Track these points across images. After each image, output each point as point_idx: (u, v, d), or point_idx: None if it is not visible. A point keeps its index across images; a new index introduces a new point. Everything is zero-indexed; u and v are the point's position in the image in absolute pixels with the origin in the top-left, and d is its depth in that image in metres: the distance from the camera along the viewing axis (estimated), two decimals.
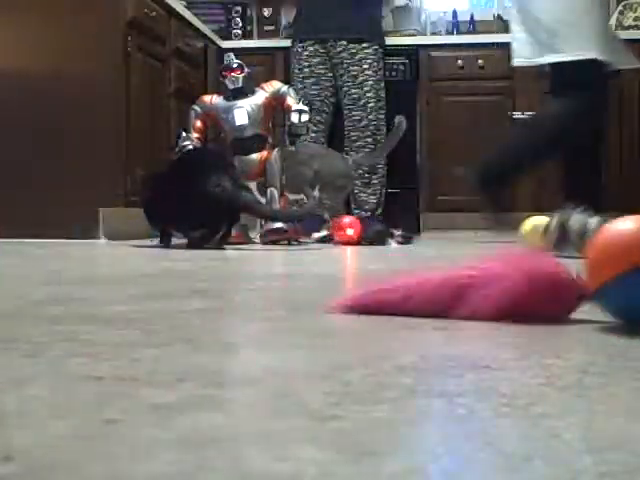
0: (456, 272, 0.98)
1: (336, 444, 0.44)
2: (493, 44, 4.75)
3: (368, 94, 4.31)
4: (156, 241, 2.89)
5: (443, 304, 0.94)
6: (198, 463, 0.41)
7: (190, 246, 2.74)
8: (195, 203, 2.67)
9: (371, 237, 3.15)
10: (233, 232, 2.95)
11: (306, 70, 4.33)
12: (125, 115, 3.38)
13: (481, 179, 3.07)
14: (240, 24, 5.11)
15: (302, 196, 3.25)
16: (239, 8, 5.13)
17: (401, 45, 4.69)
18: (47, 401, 0.54)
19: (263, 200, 3.16)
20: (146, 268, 1.82)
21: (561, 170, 3.17)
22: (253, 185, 3.21)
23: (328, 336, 0.84)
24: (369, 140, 4.33)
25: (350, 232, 3.15)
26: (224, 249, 2.72)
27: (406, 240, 3.22)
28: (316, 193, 3.23)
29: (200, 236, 2.76)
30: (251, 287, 1.47)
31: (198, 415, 0.50)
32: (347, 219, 3.26)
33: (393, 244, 3.13)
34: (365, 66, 4.30)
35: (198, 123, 3.22)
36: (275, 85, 3.27)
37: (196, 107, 3.25)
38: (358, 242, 3.12)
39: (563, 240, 2.16)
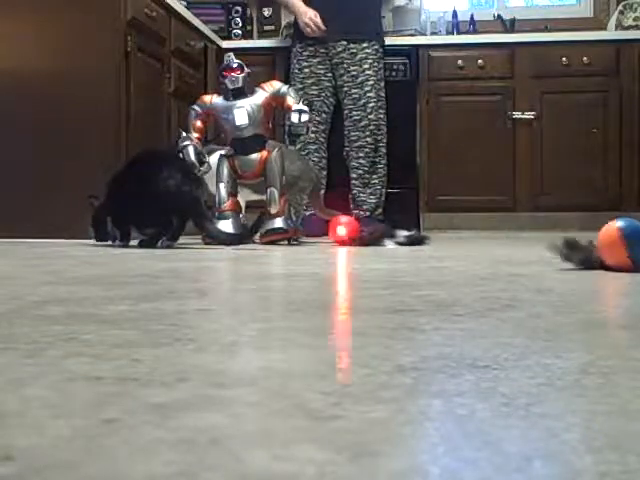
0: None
1: (336, 444, 0.44)
2: (493, 44, 4.76)
3: (369, 94, 4.31)
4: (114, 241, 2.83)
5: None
6: (198, 463, 0.41)
7: (141, 245, 2.72)
8: (146, 199, 2.64)
9: (364, 237, 3.08)
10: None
11: (306, 70, 4.33)
12: (125, 115, 3.39)
13: None
14: (240, 24, 5.11)
15: (264, 197, 3.15)
16: (239, 8, 5.13)
17: (401, 45, 4.69)
18: (47, 401, 0.54)
19: (263, 197, 3.15)
20: (146, 268, 1.82)
21: None
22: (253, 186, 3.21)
23: (328, 336, 0.84)
24: (369, 140, 4.33)
25: (343, 232, 3.10)
26: (174, 248, 2.69)
27: (413, 241, 3.03)
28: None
29: (151, 235, 2.73)
30: (251, 287, 1.47)
31: (198, 415, 0.50)
32: (343, 219, 3.23)
33: (390, 245, 2.99)
34: (365, 66, 4.30)
35: (198, 123, 3.22)
36: (275, 85, 3.27)
37: (196, 107, 3.25)
38: (352, 243, 3.08)
39: None
